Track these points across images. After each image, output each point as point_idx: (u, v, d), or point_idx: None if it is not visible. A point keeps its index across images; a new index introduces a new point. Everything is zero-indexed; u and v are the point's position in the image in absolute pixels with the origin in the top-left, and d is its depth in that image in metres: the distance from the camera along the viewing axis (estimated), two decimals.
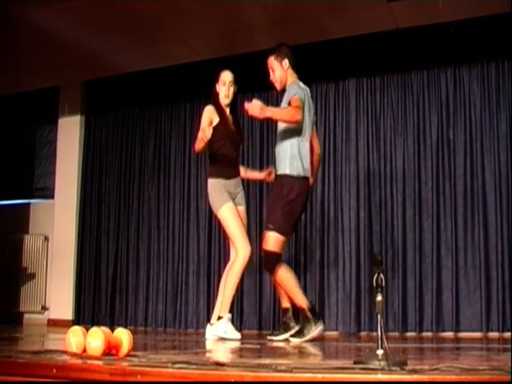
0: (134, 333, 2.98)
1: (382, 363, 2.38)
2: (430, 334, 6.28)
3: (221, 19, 6.42)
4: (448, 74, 6.71)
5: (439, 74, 6.72)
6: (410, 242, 6.57)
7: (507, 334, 5.96)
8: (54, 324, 8.03)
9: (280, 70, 5.21)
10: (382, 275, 2.60)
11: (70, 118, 8.56)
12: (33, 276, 8.49)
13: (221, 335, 5.15)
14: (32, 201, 8.92)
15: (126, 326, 5.68)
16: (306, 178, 5.02)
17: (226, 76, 5.62)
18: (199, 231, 7.57)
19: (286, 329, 5.15)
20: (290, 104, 4.90)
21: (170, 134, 7.89)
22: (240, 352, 3.86)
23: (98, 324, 7.33)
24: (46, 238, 8.53)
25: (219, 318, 5.30)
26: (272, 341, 5.03)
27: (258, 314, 7.11)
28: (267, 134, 7.41)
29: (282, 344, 4.73)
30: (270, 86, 7.39)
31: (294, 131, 4.97)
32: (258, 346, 4.42)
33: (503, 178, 6.32)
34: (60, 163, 8.57)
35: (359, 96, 7.06)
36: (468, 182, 6.46)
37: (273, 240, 4.95)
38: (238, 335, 5.27)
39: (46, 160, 9.06)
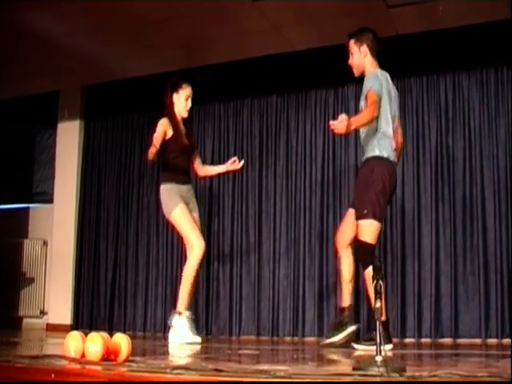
0: (132, 338, 2.98)
1: (381, 369, 2.38)
2: (428, 340, 6.27)
3: (220, 25, 6.42)
4: (447, 80, 6.72)
5: (438, 80, 6.72)
6: (409, 247, 6.57)
7: (506, 341, 5.95)
8: (53, 328, 8.01)
9: (358, 56, 5.12)
10: (381, 281, 2.60)
11: (70, 123, 8.56)
12: (32, 280, 8.48)
13: (180, 332, 5.24)
14: (31, 205, 8.91)
15: (124, 331, 5.69)
16: (393, 163, 4.94)
17: (189, 90, 5.72)
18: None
19: (340, 329, 4.99)
20: (366, 98, 4.85)
21: None
22: (239, 358, 3.86)
23: (97, 329, 7.34)
24: (45, 243, 8.52)
25: (179, 313, 5.34)
26: (324, 344, 4.94)
27: (257, 319, 7.10)
28: (266, 140, 7.40)
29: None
30: (270, 91, 7.48)
31: (378, 118, 4.87)
32: (257, 352, 4.41)
33: (502, 184, 6.32)
34: (59, 168, 8.57)
35: (358, 102, 7.04)
36: (467, 187, 6.46)
37: (370, 229, 4.77)
38: (198, 339, 5.32)
39: (45, 164, 9.05)
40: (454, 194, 6.48)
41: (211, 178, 7.08)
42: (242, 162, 5.84)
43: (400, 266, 6.57)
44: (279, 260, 7.11)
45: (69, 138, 8.55)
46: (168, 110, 5.66)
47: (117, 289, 7.97)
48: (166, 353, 4.36)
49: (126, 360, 2.79)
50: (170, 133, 5.52)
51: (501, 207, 6.29)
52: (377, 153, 4.87)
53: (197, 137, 7.78)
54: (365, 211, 4.78)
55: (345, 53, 6.83)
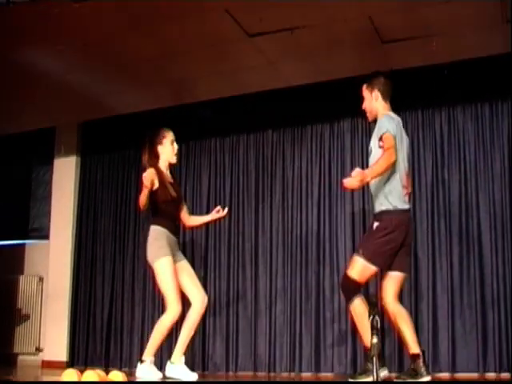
0: (128, 375, 2.97)
1: None
2: None
3: (217, 61, 6.46)
4: (442, 114, 6.75)
5: (434, 114, 6.76)
6: (405, 282, 6.55)
7: (504, 375, 5.92)
8: (49, 365, 7.95)
9: (370, 101, 5.17)
10: (377, 317, 2.59)
11: (66, 159, 8.57)
12: (27, 317, 8.44)
13: (142, 377, 5.22)
14: (27, 241, 8.89)
15: (120, 368, 5.68)
16: (403, 211, 4.92)
17: (172, 134, 5.76)
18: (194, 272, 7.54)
19: (414, 376, 4.80)
20: (381, 139, 4.84)
21: None
22: None
23: (93, 365, 7.30)
24: (41, 279, 8.50)
25: (142, 361, 5.37)
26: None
27: (254, 355, 7.05)
28: (262, 175, 7.42)
29: None
30: (266, 126, 7.51)
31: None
32: None
33: (498, 217, 6.33)
34: (55, 204, 8.57)
35: (354, 136, 7.09)
36: (463, 221, 6.46)
37: (359, 266, 4.85)
38: (159, 375, 5.38)
39: (41, 200, 9.06)
40: (450, 227, 6.48)
41: (197, 228, 7.06)
42: (226, 209, 5.89)
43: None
44: (276, 295, 7.09)
45: (65, 174, 8.55)
46: (151, 163, 5.61)
47: (113, 325, 7.92)
48: None
49: None
50: (156, 183, 5.50)
51: (497, 240, 6.29)
52: (384, 208, 4.89)
53: (193, 172, 7.82)
54: (360, 251, 4.89)
55: (340, 88, 6.95)
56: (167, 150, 5.70)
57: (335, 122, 7.22)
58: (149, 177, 5.38)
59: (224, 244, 7.46)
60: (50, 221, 8.59)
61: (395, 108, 6.87)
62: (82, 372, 2.77)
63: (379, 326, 2.58)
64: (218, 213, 5.86)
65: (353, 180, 4.53)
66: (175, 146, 5.75)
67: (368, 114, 5.25)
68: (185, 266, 5.66)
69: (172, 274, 5.41)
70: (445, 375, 6.13)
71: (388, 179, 4.89)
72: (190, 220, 6.02)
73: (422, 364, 4.80)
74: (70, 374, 2.79)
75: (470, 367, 6.13)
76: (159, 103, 7.46)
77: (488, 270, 6.27)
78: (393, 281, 4.97)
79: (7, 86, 6.93)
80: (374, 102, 5.14)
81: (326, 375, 6.63)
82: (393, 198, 4.87)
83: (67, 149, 8.57)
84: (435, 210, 6.55)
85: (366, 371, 4.84)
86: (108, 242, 8.17)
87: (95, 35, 5.91)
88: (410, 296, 6.47)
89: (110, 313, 7.95)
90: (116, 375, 2.81)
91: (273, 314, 7.07)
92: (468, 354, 6.19)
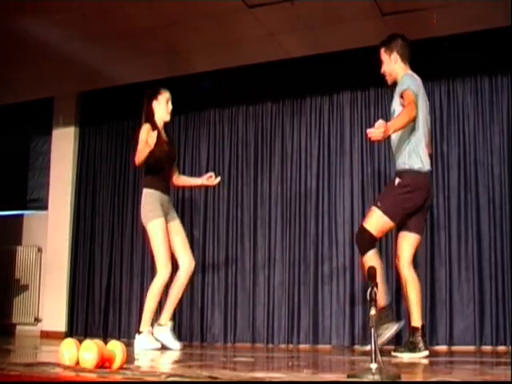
0: (127, 345, 2.98)
1: (376, 377, 2.38)
2: None
3: (215, 31, 6.43)
4: (442, 88, 6.73)
5: (433, 88, 6.73)
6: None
7: (501, 348, 5.96)
8: (47, 336, 8.00)
9: (389, 64, 5.12)
10: (375, 289, 2.60)
11: (64, 130, 8.55)
12: (26, 287, 8.46)
13: (141, 347, 5.33)
14: (25, 212, 8.89)
15: (119, 339, 5.69)
16: (425, 173, 4.92)
17: (168, 94, 5.82)
18: (193, 243, 7.53)
19: (412, 349, 4.83)
20: (401, 97, 4.82)
21: None
22: (233, 365, 3.85)
23: (92, 336, 7.34)
24: (40, 250, 8.51)
25: (140, 332, 5.48)
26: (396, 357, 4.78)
27: (252, 326, 7.09)
28: (261, 147, 7.41)
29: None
30: (265, 98, 7.49)
31: (407, 128, 4.84)
32: (252, 359, 4.41)
33: (496, 191, 6.33)
34: (54, 174, 8.56)
35: (354, 109, 7.08)
36: (462, 195, 6.47)
37: (375, 218, 4.87)
38: (158, 344, 5.46)
39: (39, 171, 9.04)
40: (448, 200, 6.49)
41: (186, 188, 7.11)
42: (219, 178, 5.95)
43: (395, 273, 6.55)
44: (274, 267, 7.11)
45: (63, 145, 8.54)
46: (148, 119, 5.72)
47: (111, 296, 7.95)
48: (161, 360, 4.35)
49: (121, 367, 2.78)
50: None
51: (495, 214, 6.30)
52: (407, 167, 4.87)
53: (192, 143, 7.80)
54: (378, 203, 4.90)
55: (340, 60, 6.92)
56: (161, 108, 5.78)
57: (334, 94, 7.20)
58: (145, 133, 5.51)
59: (223, 215, 7.47)
60: (48, 191, 8.59)
61: (395, 82, 6.89)
62: (80, 342, 2.77)
63: (377, 297, 2.58)
64: (209, 179, 5.91)
65: (376, 131, 4.46)
66: (170, 105, 5.82)
67: (387, 77, 5.20)
68: (176, 226, 5.75)
69: (163, 237, 5.51)
70: (442, 348, 6.17)
71: (409, 138, 4.87)
72: (180, 179, 6.08)
73: (420, 338, 4.81)
74: (69, 344, 2.79)
75: (467, 340, 6.17)
76: (158, 74, 7.43)
77: (486, 244, 6.28)
78: (409, 242, 4.96)
79: (5, 56, 6.91)
80: (393, 64, 5.10)
81: (324, 347, 6.67)
82: (414, 158, 4.85)
83: (66, 119, 8.54)
84: (434, 183, 6.54)
85: (412, 345, 4.84)
86: (106, 213, 8.18)
87: (93, 5, 5.87)
88: None
89: (109, 283, 7.98)
90: (114, 345, 2.82)
91: (271, 286, 7.09)
92: (465, 327, 6.23)
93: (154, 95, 5.80)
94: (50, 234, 8.38)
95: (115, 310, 7.88)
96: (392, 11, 5.95)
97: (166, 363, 4.05)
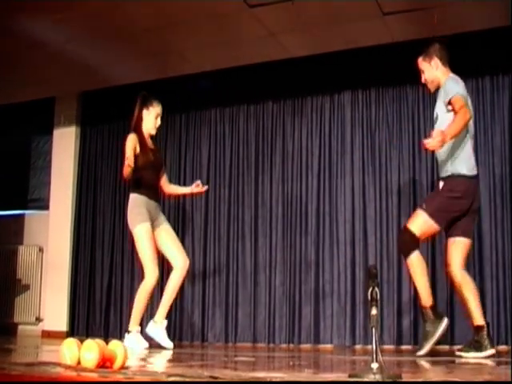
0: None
1: (377, 376, 2.38)
2: None
3: (217, 31, 6.43)
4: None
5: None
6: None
7: (502, 347, 5.95)
8: (49, 335, 8.00)
9: (430, 71, 5.05)
10: (376, 288, 2.60)
11: (66, 129, 8.55)
12: (27, 287, 8.47)
13: (130, 347, 5.31)
14: (27, 212, 8.90)
15: (120, 338, 5.67)
16: (473, 177, 4.87)
17: (160, 109, 5.84)
18: (194, 243, 7.56)
19: (478, 348, 4.79)
20: (450, 104, 4.75)
21: (166, 145, 7.87)
22: (234, 365, 3.86)
23: (93, 336, 7.33)
24: (41, 249, 8.51)
25: (128, 332, 5.57)
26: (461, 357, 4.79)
27: (253, 326, 7.09)
28: (262, 147, 7.41)
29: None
30: (266, 97, 7.49)
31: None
32: (253, 359, 4.41)
33: (498, 191, 6.34)
34: (55, 174, 8.56)
35: (355, 109, 7.08)
36: None
37: (421, 220, 4.81)
38: (146, 344, 5.53)
39: (41, 171, 9.04)
40: None
41: (176, 197, 7.13)
42: (206, 186, 6.04)
43: (396, 272, 6.57)
44: (275, 266, 7.11)
45: (65, 144, 8.54)
46: (136, 125, 5.75)
47: (113, 295, 7.95)
48: (162, 360, 4.35)
49: (122, 367, 2.79)
50: (138, 148, 5.62)
51: (496, 213, 6.30)
52: (455, 171, 4.82)
53: (193, 143, 7.80)
54: (424, 205, 4.85)
55: (342, 59, 6.93)
56: (150, 120, 5.81)
57: (335, 93, 7.20)
58: (129, 144, 5.51)
59: (224, 215, 7.47)
60: (49, 191, 8.60)
61: (395, 81, 6.90)
62: (81, 342, 2.78)
63: (378, 297, 2.58)
64: (197, 187, 5.95)
65: (434, 141, 4.42)
66: (158, 121, 5.85)
67: (429, 85, 5.13)
68: (166, 229, 5.80)
69: (149, 241, 5.55)
70: (444, 347, 6.15)
71: (461, 143, 4.81)
72: (169, 188, 6.12)
73: (486, 336, 4.76)
74: (70, 343, 2.79)
75: (468, 339, 6.15)
76: (159, 74, 7.44)
77: (487, 243, 6.28)
78: (459, 247, 4.91)
79: (7, 56, 6.91)
80: (435, 70, 5.02)
81: (325, 347, 6.67)
82: (464, 163, 4.81)
83: (67, 119, 8.55)
84: (435, 183, 6.53)
85: (477, 344, 4.79)
86: (108, 212, 8.18)
87: (94, 4, 5.88)
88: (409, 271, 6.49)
89: (110, 283, 7.98)
90: (116, 344, 2.82)
91: (272, 286, 7.09)
92: (466, 326, 6.19)
93: (146, 105, 5.81)
94: (52, 234, 8.39)
95: (116, 309, 7.88)
96: (393, 11, 5.95)
97: (166, 363, 4.06)
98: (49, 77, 7.58)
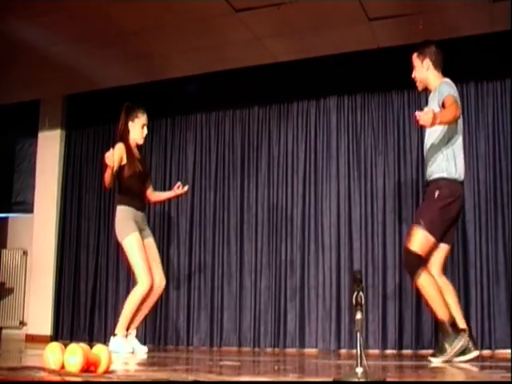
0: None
1: (362, 381, 2.38)
2: (409, 351, 6.29)
3: (202, 35, 6.43)
4: (428, 93, 6.74)
5: (419, 94, 6.75)
6: (390, 259, 6.58)
7: (485, 352, 5.97)
8: (32, 339, 7.96)
9: (420, 70, 5.02)
10: (361, 293, 2.60)
11: (51, 132, 8.52)
12: (11, 291, 8.42)
13: (115, 350, 5.26)
14: (11, 215, 8.85)
15: (104, 343, 5.66)
16: (461, 183, 4.81)
17: (145, 119, 5.80)
18: (179, 247, 7.55)
19: (465, 351, 4.66)
20: (443, 105, 4.69)
21: (151, 149, 7.86)
22: (220, 369, 3.85)
23: (77, 340, 7.29)
24: (25, 253, 8.47)
25: (114, 335, 5.51)
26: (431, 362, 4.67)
27: (238, 330, 7.09)
28: (248, 151, 7.42)
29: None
30: (252, 102, 7.49)
31: (446, 134, 4.76)
32: (238, 363, 4.40)
33: (482, 196, 6.36)
34: (40, 177, 8.53)
35: (340, 114, 7.09)
36: None
37: (420, 238, 4.68)
38: (130, 348, 5.48)
39: (25, 174, 9.00)
40: None
41: (160, 202, 7.07)
42: (186, 187, 5.99)
43: (381, 277, 6.59)
44: (261, 271, 7.11)
45: (50, 147, 8.51)
46: (122, 136, 5.74)
47: (97, 299, 7.92)
48: (146, 364, 4.34)
49: (106, 371, 2.78)
50: (125, 158, 5.60)
51: (481, 219, 6.33)
52: (445, 175, 4.75)
53: (178, 147, 7.80)
54: (421, 221, 4.71)
55: (328, 65, 6.95)
56: (136, 131, 5.77)
57: (321, 98, 7.21)
58: (116, 152, 5.46)
59: (209, 219, 7.47)
60: (34, 194, 8.56)
61: (380, 87, 6.92)
62: (65, 346, 2.76)
63: (363, 302, 2.58)
64: (179, 189, 5.94)
65: (425, 116, 4.37)
66: (145, 130, 5.81)
67: (418, 83, 5.10)
68: (150, 244, 5.75)
69: (140, 249, 5.51)
70: (428, 352, 6.13)
71: (448, 143, 4.78)
72: (154, 196, 6.09)
73: (468, 339, 4.68)
74: (54, 347, 2.78)
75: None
76: (144, 77, 7.44)
77: (471, 249, 6.31)
78: (441, 252, 4.86)
79: None
80: (425, 71, 5.00)
81: (310, 351, 6.68)
82: (453, 166, 4.75)
83: (52, 122, 8.51)
84: (420, 189, 6.56)
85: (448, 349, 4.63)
86: (93, 216, 8.15)
87: (80, 7, 5.87)
88: (394, 274, 6.52)
89: (95, 287, 7.96)
90: (100, 349, 2.81)
91: (257, 290, 7.09)
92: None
93: (131, 116, 5.78)
94: (36, 237, 8.35)
95: (101, 313, 7.86)
96: (379, 16, 5.98)
97: (151, 367, 4.04)
98: (34, 79, 7.55)
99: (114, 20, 6.15)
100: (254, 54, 6.78)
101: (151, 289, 5.52)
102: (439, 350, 4.66)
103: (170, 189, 6.99)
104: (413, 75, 5.10)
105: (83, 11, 5.95)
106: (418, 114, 4.44)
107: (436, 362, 4.57)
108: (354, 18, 6.00)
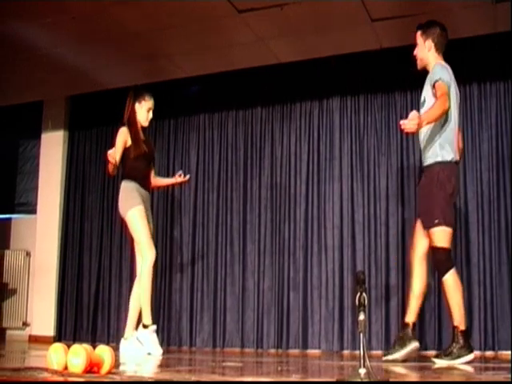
0: (116, 350, 2.97)
1: (365, 381, 2.38)
2: None
3: (206, 36, 6.43)
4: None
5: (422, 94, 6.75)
6: (392, 260, 6.58)
7: (489, 353, 5.97)
8: (36, 340, 7.97)
9: (422, 49, 5.00)
10: (364, 294, 2.60)
11: (54, 133, 8.53)
12: (14, 292, 8.43)
13: (139, 347, 5.29)
14: (14, 216, 8.86)
15: (108, 343, 5.69)
16: (456, 164, 4.81)
17: (152, 103, 5.85)
18: (182, 248, 7.56)
19: (402, 345, 4.78)
20: (434, 87, 4.73)
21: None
22: (222, 370, 3.85)
23: (80, 340, 7.30)
24: (28, 254, 8.48)
25: (145, 326, 5.40)
26: (388, 360, 4.71)
27: (241, 331, 7.08)
28: (251, 152, 7.42)
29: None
30: (255, 103, 7.49)
31: (439, 121, 4.75)
32: (241, 364, 4.40)
33: (485, 197, 6.36)
34: (43, 178, 8.54)
35: (343, 115, 7.09)
36: None
37: (443, 235, 4.70)
38: (160, 351, 5.41)
39: (28, 175, 9.01)
40: None
41: (161, 187, 7.05)
42: (188, 176, 6.04)
43: (384, 278, 6.58)
44: (264, 272, 7.11)
45: (53, 149, 8.51)
46: (129, 118, 5.78)
47: (100, 300, 7.93)
48: (149, 365, 4.34)
49: (109, 372, 2.78)
50: (129, 141, 5.64)
51: (484, 220, 6.32)
52: (439, 159, 4.75)
53: (181, 148, 7.80)
54: (436, 221, 4.69)
55: (331, 65, 6.95)
56: (142, 114, 5.81)
57: (324, 99, 7.21)
58: (119, 139, 5.59)
59: (212, 220, 7.47)
60: (37, 195, 8.57)
61: (383, 88, 6.91)
62: (69, 346, 2.76)
63: (366, 302, 2.58)
64: (180, 177, 5.97)
65: (410, 122, 4.37)
66: (150, 114, 5.85)
67: (418, 62, 5.08)
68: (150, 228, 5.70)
69: (143, 222, 5.49)
70: (431, 352, 6.15)
71: (441, 130, 4.78)
72: (155, 180, 6.09)
73: (464, 341, 4.63)
74: (57, 348, 2.78)
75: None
76: (147, 78, 7.42)
77: (474, 250, 6.30)
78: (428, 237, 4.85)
79: None
80: (426, 51, 4.98)
81: (313, 352, 6.67)
82: (447, 149, 4.75)
83: (55, 123, 8.52)
84: None
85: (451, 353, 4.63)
86: (95, 217, 8.16)
87: (83, 8, 5.87)
88: (397, 275, 6.51)
89: (98, 288, 7.96)
90: (103, 349, 2.81)
91: (260, 291, 7.09)
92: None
93: (138, 98, 5.82)
94: (39, 238, 8.36)
95: (104, 314, 7.86)
96: (381, 17, 5.97)
97: (154, 368, 4.05)
98: (37, 81, 7.55)
99: (118, 21, 6.15)
100: (256, 54, 6.77)
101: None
102: (445, 353, 4.65)
103: (173, 191, 7.02)
104: (414, 52, 5.08)
105: (86, 12, 5.94)
106: (402, 122, 4.44)
107: (439, 363, 4.57)
108: (356, 18, 5.98)
